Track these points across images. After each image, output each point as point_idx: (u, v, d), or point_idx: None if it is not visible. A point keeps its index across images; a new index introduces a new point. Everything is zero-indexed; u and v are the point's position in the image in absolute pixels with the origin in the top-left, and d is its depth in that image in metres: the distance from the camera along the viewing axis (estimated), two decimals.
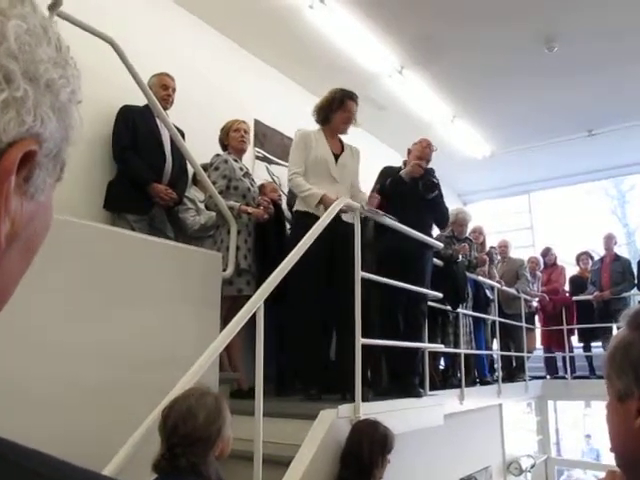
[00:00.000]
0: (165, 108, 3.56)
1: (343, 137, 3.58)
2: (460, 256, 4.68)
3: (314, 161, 3.32)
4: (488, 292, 5.58)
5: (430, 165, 4.01)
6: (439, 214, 4.00)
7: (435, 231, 4.36)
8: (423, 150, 3.98)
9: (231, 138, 3.80)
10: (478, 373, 5.42)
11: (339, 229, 3.07)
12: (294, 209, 3.49)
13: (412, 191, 3.78)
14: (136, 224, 3.37)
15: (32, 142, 0.34)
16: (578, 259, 7.28)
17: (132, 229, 3.28)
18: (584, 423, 9.69)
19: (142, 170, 3.46)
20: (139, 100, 3.41)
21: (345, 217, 3.19)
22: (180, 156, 3.57)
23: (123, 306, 2.50)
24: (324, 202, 3.11)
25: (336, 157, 3.39)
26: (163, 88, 3.66)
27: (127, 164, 3.48)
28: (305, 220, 3.12)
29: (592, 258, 7.21)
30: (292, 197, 4.25)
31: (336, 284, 3.16)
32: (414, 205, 3.74)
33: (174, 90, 3.73)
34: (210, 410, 1.69)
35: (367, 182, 4.00)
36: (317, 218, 2.92)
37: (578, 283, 7.08)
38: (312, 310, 3.11)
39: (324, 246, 2.94)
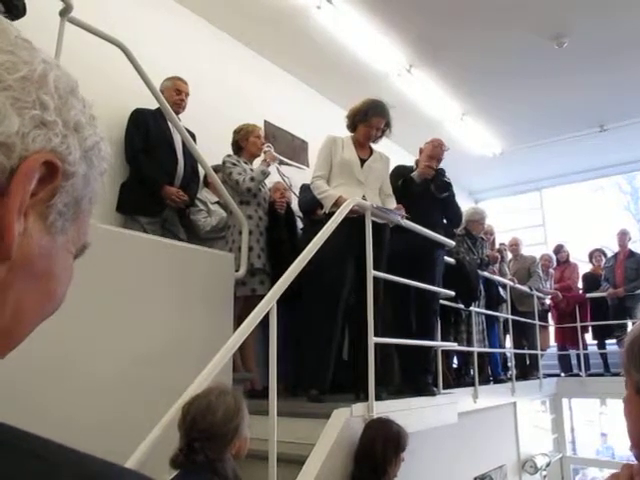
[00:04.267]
0: (177, 112, 3.60)
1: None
2: (486, 258, 4.69)
3: (340, 163, 3.34)
4: (501, 290, 5.56)
5: (442, 164, 4.00)
6: (452, 213, 4.00)
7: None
8: (434, 149, 3.98)
9: (251, 143, 3.83)
10: (491, 371, 5.40)
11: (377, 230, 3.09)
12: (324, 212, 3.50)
13: (423, 191, 3.79)
14: (149, 226, 3.39)
15: (55, 156, 0.37)
16: (591, 256, 7.23)
17: (144, 231, 3.30)
18: (600, 421, 9.59)
19: (154, 173, 3.49)
20: (151, 103, 3.44)
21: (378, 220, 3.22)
22: (191, 158, 3.59)
23: (136, 308, 2.52)
24: (339, 203, 3.11)
25: (362, 161, 3.40)
26: (176, 92, 3.69)
27: (139, 167, 3.50)
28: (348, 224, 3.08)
29: (605, 255, 7.15)
30: (303, 198, 4.27)
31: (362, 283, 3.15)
32: (425, 205, 3.74)
33: (187, 95, 3.75)
34: (229, 408, 1.71)
35: None
36: (351, 220, 2.95)
37: (591, 280, 7.03)
38: (335, 310, 3.10)
39: (358, 246, 2.98)
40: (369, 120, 3.39)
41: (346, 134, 3.51)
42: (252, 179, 3.61)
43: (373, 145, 3.56)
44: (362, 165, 3.39)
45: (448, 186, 3.85)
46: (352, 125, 3.47)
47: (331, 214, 3.06)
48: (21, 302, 0.38)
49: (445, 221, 4.04)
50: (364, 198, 3.22)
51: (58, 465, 0.31)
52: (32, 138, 0.36)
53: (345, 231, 2.92)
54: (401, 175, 3.83)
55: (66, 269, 0.42)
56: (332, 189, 3.27)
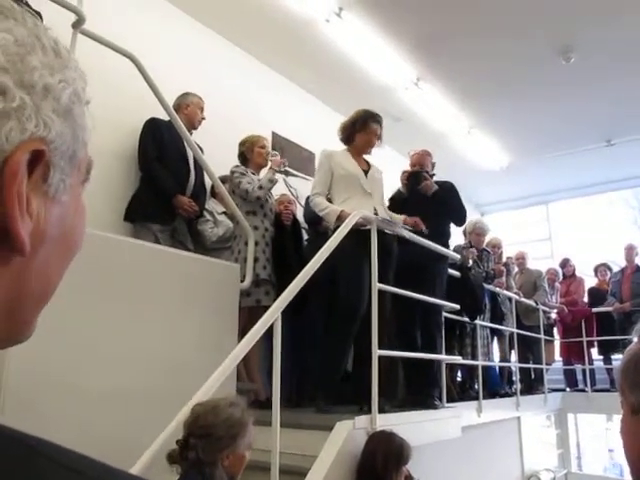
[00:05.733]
0: (194, 128, 3.71)
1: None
2: (470, 261, 4.63)
3: (345, 176, 3.33)
4: (503, 306, 5.52)
5: (448, 177, 4.04)
6: (450, 210, 3.91)
7: (452, 242, 4.31)
8: (416, 157, 4.07)
9: (256, 154, 3.86)
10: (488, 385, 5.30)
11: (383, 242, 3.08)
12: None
13: (412, 197, 3.82)
14: (160, 234, 3.42)
15: (37, 143, 0.35)
16: (596, 270, 7.21)
17: (156, 239, 3.34)
18: (606, 437, 9.50)
19: (168, 182, 3.53)
20: (163, 114, 3.47)
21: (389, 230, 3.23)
22: (201, 169, 3.63)
23: (143, 317, 2.54)
24: (342, 218, 3.12)
25: (365, 172, 3.40)
26: (201, 110, 3.80)
27: (154, 175, 3.55)
28: (356, 236, 3.09)
29: (610, 269, 7.12)
30: (308, 209, 4.29)
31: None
32: (420, 212, 3.73)
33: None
34: (233, 416, 1.75)
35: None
36: (362, 232, 2.97)
37: (596, 295, 7.00)
38: (354, 324, 3.11)
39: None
40: (369, 127, 3.39)
41: (342, 147, 3.49)
42: (260, 187, 3.64)
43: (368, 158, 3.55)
44: (366, 176, 3.39)
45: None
46: (348, 137, 3.45)
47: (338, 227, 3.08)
48: (46, 269, 0.39)
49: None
50: (375, 211, 3.23)
51: (96, 479, 0.32)
52: (5, 137, 0.33)
53: (360, 243, 2.94)
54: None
55: (78, 213, 0.41)
56: (339, 204, 3.25)
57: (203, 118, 3.82)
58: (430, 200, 3.82)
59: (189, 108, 3.74)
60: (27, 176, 0.35)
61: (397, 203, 3.89)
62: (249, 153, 3.88)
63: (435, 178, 4.00)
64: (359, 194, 3.32)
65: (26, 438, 0.32)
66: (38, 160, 0.35)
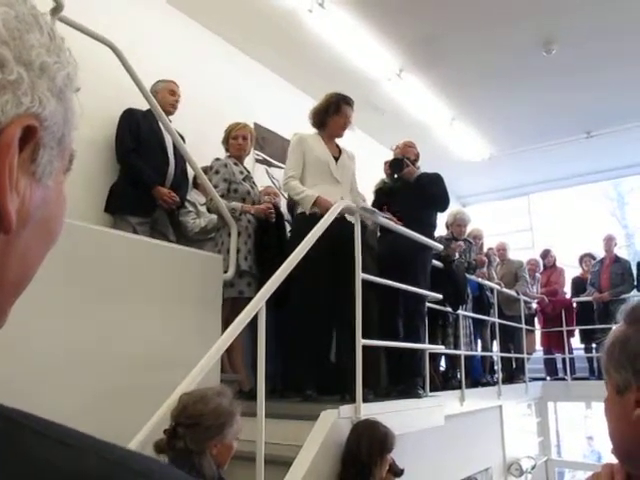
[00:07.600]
0: (170, 113, 3.63)
1: (340, 140, 3.56)
2: (457, 254, 4.66)
3: (315, 162, 3.31)
4: (489, 294, 5.59)
5: (430, 168, 4.05)
6: (432, 195, 3.88)
7: (436, 233, 4.32)
8: (397, 151, 4.09)
9: (230, 144, 3.82)
10: (470, 374, 5.35)
11: (342, 229, 3.04)
12: (298, 212, 3.49)
13: (395, 184, 3.83)
14: (139, 227, 3.38)
15: (31, 119, 0.35)
16: (581, 260, 7.30)
17: (135, 231, 3.30)
18: (585, 425, 9.68)
19: (146, 173, 3.49)
20: (143, 103, 3.43)
21: (349, 217, 3.21)
22: (181, 159, 3.59)
23: (125, 309, 2.52)
24: (318, 204, 3.13)
25: (335, 159, 3.39)
26: (171, 94, 3.73)
27: (131, 166, 3.50)
28: (309, 223, 3.11)
29: (595, 259, 7.22)
30: (292, 200, 4.28)
31: (338, 285, 3.17)
32: (404, 199, 3.75)
33: (179, 97, 3.79)
34: (222, 406, 1.74)
35: (367, 186, 4.04)
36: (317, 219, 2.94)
37: (580, 284, 7.09)
38: (315, 311, 3.12)
39: (327, 246, 2.91)
40: (341, 110, 3.38)
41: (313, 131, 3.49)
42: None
43: (338, 141, 3.54)
44: (336, 162, 3.38)
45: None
46: (321, 121, 3.44)
47: (311, 215, 3.10)
48: (26, 253, 0.38)
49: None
50: (341, 198, 3.23)
51: (84, 450, 0.31)
52: (0, 109, 0.33)
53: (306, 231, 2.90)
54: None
55: (60, 201, 0.41)
56: (310, 189, 3.23)
57: (176, 100, 3.74)
58: (415, 189, 3.83)
59: (158, 95, 3.67)
60: (18, 152, 0.35)
61: (383, 194, 3.89)
62: (225, 143, 3.84)
63: (420, 170, 4.01)
64: (327, 181, 3.31)
65: (7, 411, 0.32)
66: (29, 138, 0.35)
